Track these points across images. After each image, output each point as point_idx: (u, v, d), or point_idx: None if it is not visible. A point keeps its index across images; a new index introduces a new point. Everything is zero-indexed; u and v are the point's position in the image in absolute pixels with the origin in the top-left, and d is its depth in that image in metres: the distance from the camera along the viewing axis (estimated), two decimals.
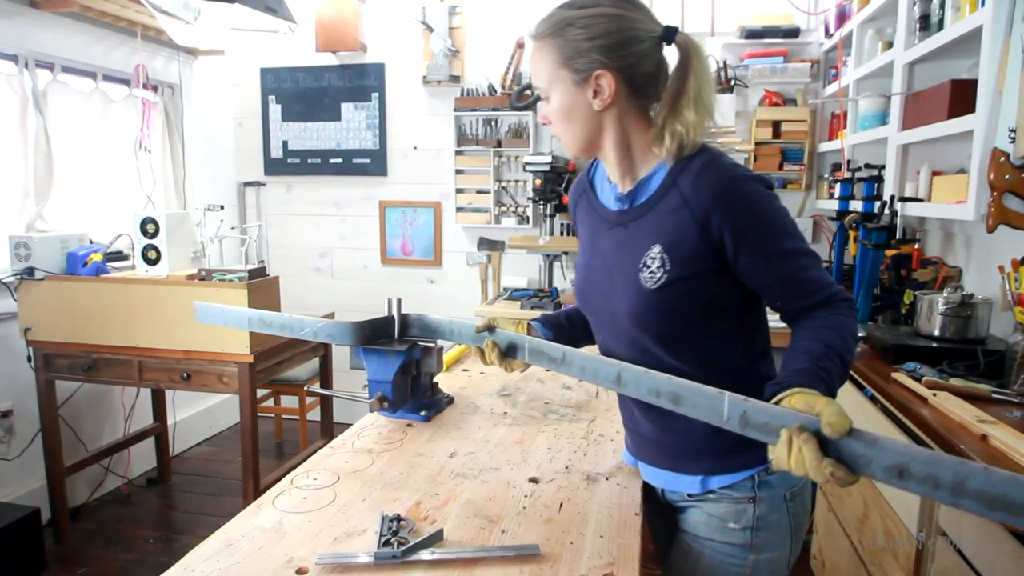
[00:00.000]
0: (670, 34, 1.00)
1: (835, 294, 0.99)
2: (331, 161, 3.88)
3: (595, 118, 1.03)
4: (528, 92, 3.41)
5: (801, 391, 0.83)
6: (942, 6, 1.93)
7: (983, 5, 1.66)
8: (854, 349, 0.96)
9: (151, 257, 2.66)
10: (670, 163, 1.01)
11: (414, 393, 1.50)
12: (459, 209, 3.69)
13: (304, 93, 3.85)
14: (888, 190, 2.27)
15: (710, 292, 1.01)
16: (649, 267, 1.01)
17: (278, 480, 1.19)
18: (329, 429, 3.15)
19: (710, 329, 1.04)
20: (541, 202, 3.24)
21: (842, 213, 2.53)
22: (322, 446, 1.36)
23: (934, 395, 1.48)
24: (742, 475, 1.06)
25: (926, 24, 2.03)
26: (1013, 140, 1.55)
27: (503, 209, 3.64)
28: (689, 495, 1.12)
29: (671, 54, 1.03)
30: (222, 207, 2.93)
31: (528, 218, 3.60)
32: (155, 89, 3.35)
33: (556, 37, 1.01)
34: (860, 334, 1.05)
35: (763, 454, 0.84)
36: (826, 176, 3.11)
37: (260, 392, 3.43)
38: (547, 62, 1.03)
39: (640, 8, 1.01)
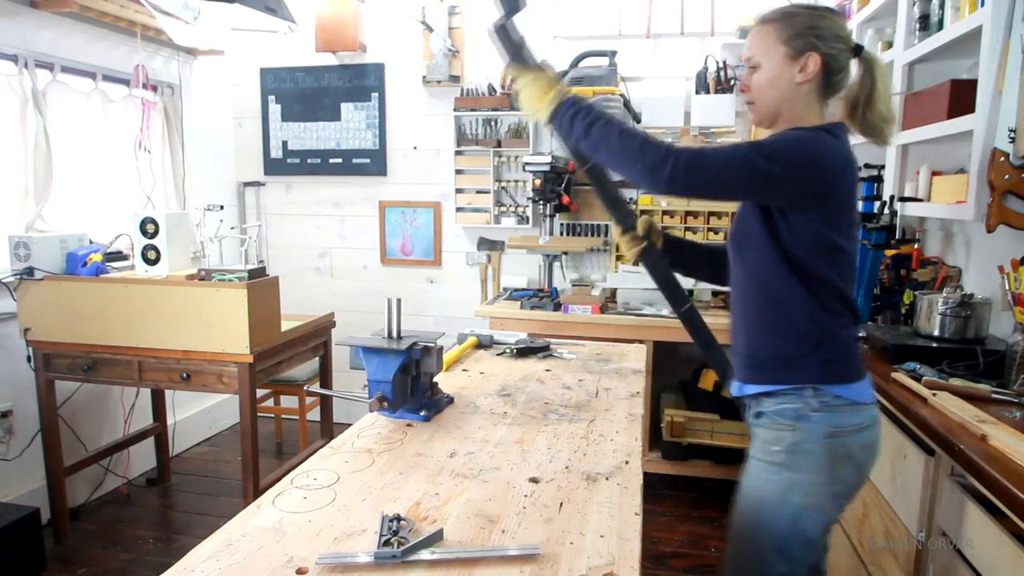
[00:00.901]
0: (859, 48, 1.31)
1: (691, 150, 1.20)
2: (331, 161, 3.88)
3: (793, 90, 1.29)
4: None
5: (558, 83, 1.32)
6: (942, 6, 1.93)
7: (983, 5, 1.66)
8: (620, 133, 1.23)
9: (151, 257, 2.66)
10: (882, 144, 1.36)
11: (414, 393, 1.50)
12: (459, 209, 3.69)
13: (304, 93, 3.85)
14: (888, 190, 2.27)
15: None
16: None
17: (278, 480, 1.19)
18: (329, 429, 3.15)
19: None
20: (541, 202, 3.24)
21: None
22: (322, 446, 1.36)
23: (934, 395, 1.48)
24: (778, 388, 1.28)
25: (926, 24, 2.03)
26: (1013, 140, 1.55)
27: (503, 209, 3.64)
28: (755, 415, 1.35)
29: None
30: (222, 207, 2.93)
31: (528, 218, 3.60)
32: (155, 89, 3.35)
33: (783, 21, 1.28)
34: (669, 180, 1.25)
35: (799, 377, 1.26)
36: None
37: (260, 392, 3.43)
38: (769, 38, 1.29)
39: (845, 23, 1.31)
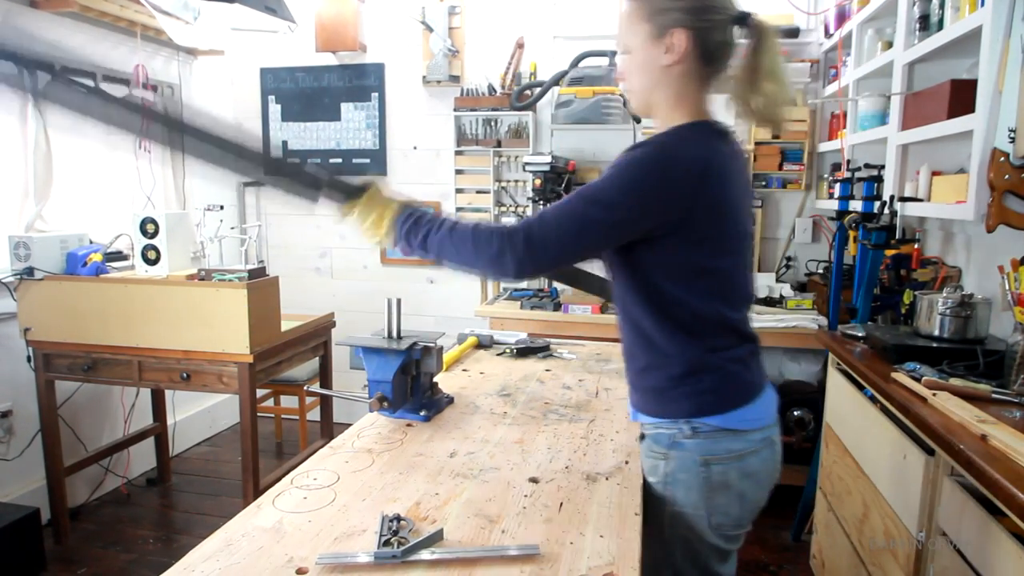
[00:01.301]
0: (744, 16, 1.10)
1: (528, 223, 1.08)
2: (331, 161, 3.88)
3: (663, 75, 1.12)
4: (528, 92, 3.41)
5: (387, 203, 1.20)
6: (942, 6, 1.93)
7: (983, 5, 1.66)
8: (451, 241, 1.12)
9: (151, 257, 2.66)
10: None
11: (414, 393, 1.50)
12: (459, 209, 3.69)
13: (304, 93, 3.85)
14: (888, 190, 2.27)
15: None
16: None
17: (278, 480, 1.19)
18: (329, 429, 3.15)
19: None
20: (541, 202, 3.24)
21: (842, 213, 2.53)
22: (322, 446, 1.36)
23: (934, 395, 1.48)
24: (655, 420, 1.21)
25: (926, 24, 2.03)
26: (1013, 140, 1.55)
27: (503, 209, 3.63)
28: (640, 436, 1.27)
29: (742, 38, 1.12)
30: (222, 207, 2.93)
31: None
32: (155, 89, 3.34)
33: None
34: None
35: (674, 412, 1.16)
36: (826, 176, 3.11)
37: (260, 392, 3.43)
38: (632, 18, 1.13)
39: None
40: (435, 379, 1.61)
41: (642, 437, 1.26)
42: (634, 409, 1.29)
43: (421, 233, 1.15)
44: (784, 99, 1.12)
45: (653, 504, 1.20)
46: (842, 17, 2.84)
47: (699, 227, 1.08)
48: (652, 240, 1.09)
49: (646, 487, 1.21)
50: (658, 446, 1.20)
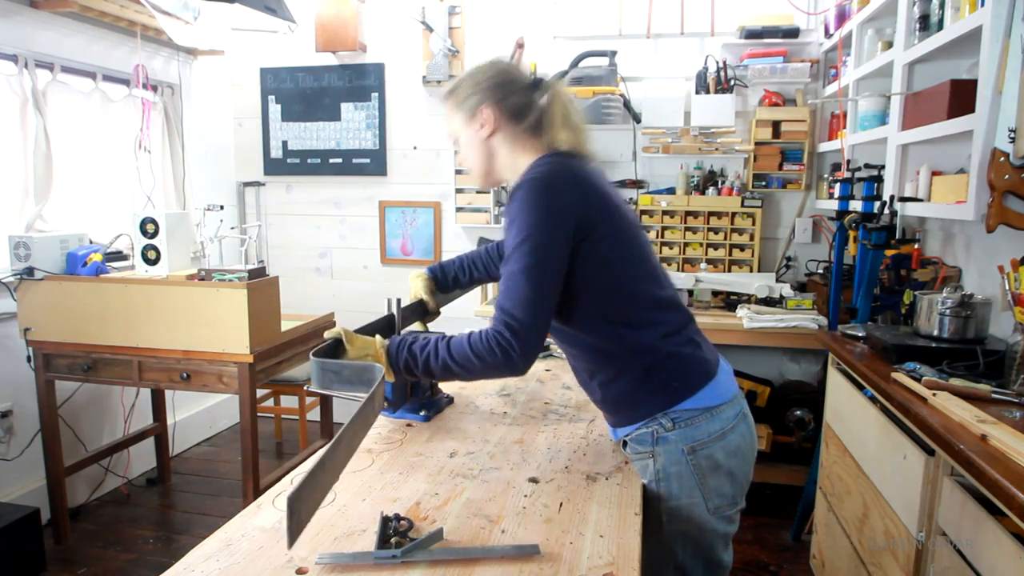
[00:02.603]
0: (537, 81, 1.31)
1: (506, 321, 1.13)
2: (331, 161, 3.88)
3: (486, 146, 1.30)
4: None
5: (379, 346, 1.20)
6: (942, 6, 1.93)
7: (983, 5, 1.66)
8: (455, 363, 1.16)
9: (151, 257, 2.66)
10: None
11: (414, 393, 1.50)
12: (459, 209, 3.69)
13: (304, 93, 3.85)
14: (888, 190, 2.27)
15: None
16: None
17: (278, 480, 1.19)
18: (329, 429, 3.15)
19: None
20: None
21: (842, 213, 2.53)
22: (322, 446, 1.36)
23: (934, 395, 1.48)
24: (635, 427, 1.25)
25: (926, 24, 2.03)
26: (1013, 140, 1.55)
27: (503, 209, 3.63)
28: (622, 444, 1.30)
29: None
30: (222, 207, 2.93)
31: None
32: (155, 89, 3.34)
33: (452, 94, 1.33)
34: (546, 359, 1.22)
35: (648, 411, 1.22)
36: (826, 176, 3.11)
37: (260, 392, 3.43)
38: (450, 112, 1.33)
39: (515, 65, 1.35)
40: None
41: (624, 444, 1.29)
42: (613, 428, 1.33)
43: (420, 362, 1.18)
44: (581, 138, 1.29)
45: (649, 503, 1.22)
46: (842, 17, 2.84)
47: (598, 225, 1.17)
48: (571, 254, 1.17)
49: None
50: (643, 446, 1.24)
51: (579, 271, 1.18)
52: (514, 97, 1.28)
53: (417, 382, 1.50)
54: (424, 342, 1.20)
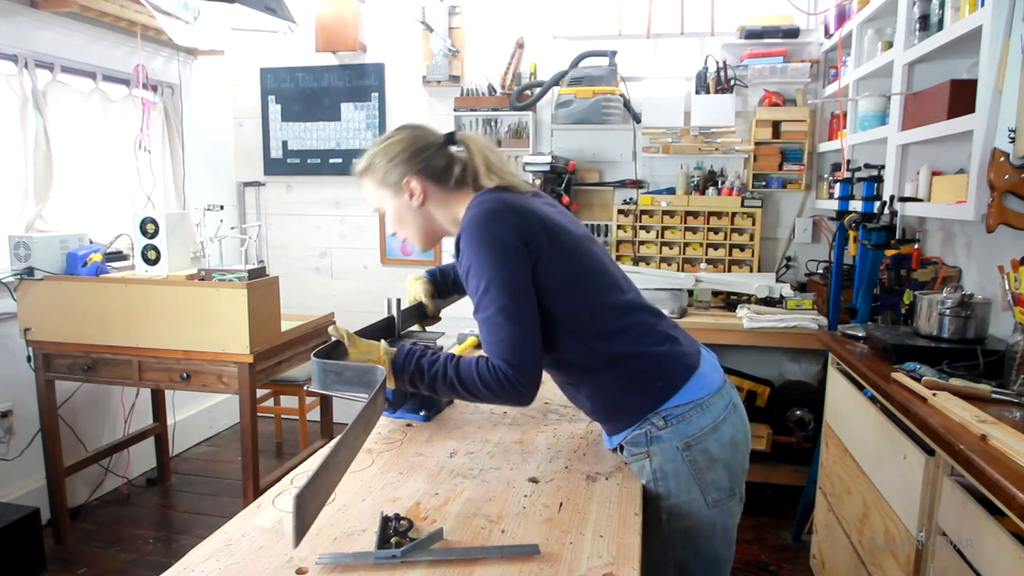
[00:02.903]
0: (451, 136, 1.33)
1: (502, 364, 1.14)
2: (331, 161, 3.88)
3: (421, 213, 1.31)
4: (528, 92, 3.41)
5: (384, 352, 1.21)
6: (942, 6, 1.93)
7: (983, 5, 1.66)
8: (462, 386, 1.17)
9: (151, 257, 2.66)
10: None
11: (414, 394, 1.50)
12: None
13: (304, 93, 3.85)
14: (888, 190, 2.27)
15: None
16: None
17: (278, 480, 1.19)
18: (329, 429, 3.15)
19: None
20: None
21: (842, 213, 2.53)
22: (322, 446, 1.36)
23: (934, 395, 1.48)
24: (629, 431, 1.25)
25: (926, 24, 2.03)
26: (1013, 140, 1.55)
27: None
28: (619, 448, 1.30)
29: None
30: (222, 207, 2.93)
31: None
32: (155, 89, 3.34)
33: (369, 171, 1.31)
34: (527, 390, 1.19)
35: (638, 414, 1.22)
36: (826, 176, 3.11)
37: (260, 392, 3.43)
38: (371, 188, 1.33)
39: (423, 127, 1.36)
40: None
41: (620, 449, 1.29)
42: (609, 436, 1.34)
43: (427, 377, 1.20)
44: (508, 177, 1.30)
45: (648, 503, 1.22)
46: (842, 17, 2.84)
47: (545, 247, 1.18)
48: (534, 281, 1.17)
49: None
50: (637, 447, 1.24)
51: (541, 294, 1.18)
52: (434, 160, 1.29)
53: None
54: (432, 359, 1.20)
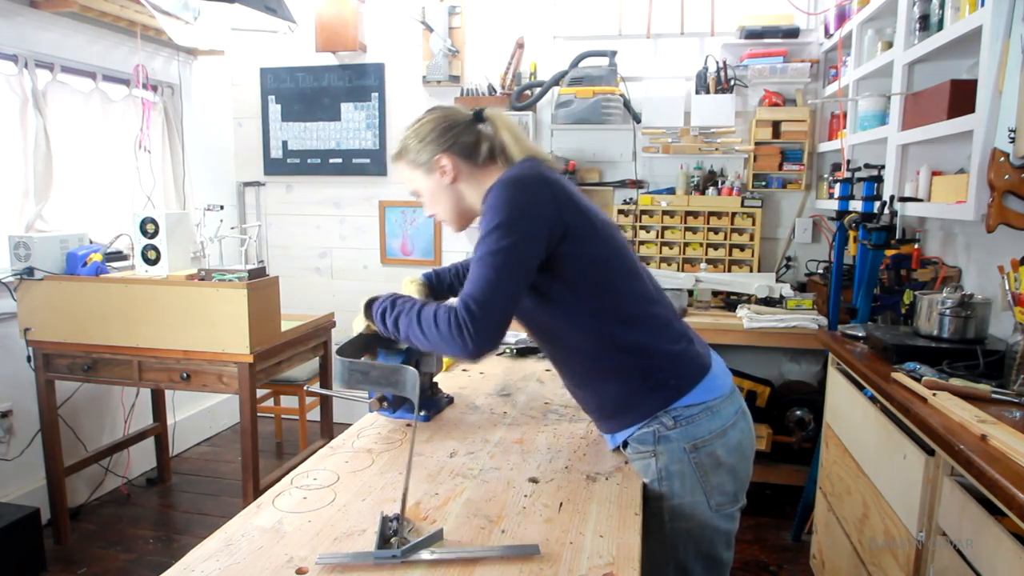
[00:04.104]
0: (479, 113, 1.34)
1: (465, 301, 1.12)
2: (331, 161, 3.88)
3: (453, 191, 1.32)
4: (528, 92, 3.41)
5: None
6: (942, 6, 1.93)
7: (983, 5, 1.66)
8: (418, 325, 1.19)
9: (151, 257, 2.66)
10: None
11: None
12: None
13: (304, 93, 3.85)
14: (888, 190, 2.27)
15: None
16: None
17: (278, 480, 1.19)
18: (329, 429, 3.15)
19: None
20: None
21: (842, 213, 2.53)
22: (322, 446, 1.36)
23: (934, 395, 1.48)
24: (636, 428, 1.24)
25: (926, 24, 2.03)
26: (1013, 140, 1.55)
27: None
28: (622, 445, 1.29)
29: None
30: (222, 207, 2.93)
31: None
32: (155, 89, 3.34)
33: (403, 154, 1.34)
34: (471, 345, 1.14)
35: (648, 411, 1.22)
36: (826, 176, 3.11)
37: (260, 392, 3.43)
38: (405, 170, 1.36)
39: (452, 107, 1.36)
40: (435, 379, 1.61)
41: (625, 445, 1.28)
42: (611, 436, 1.32)
43: (393, 314, 1.25)
44: (536, 151, 1.31)
45: (650, 503, 1.21)
46: (842, 17, 2.84)
47: (577, 224, 1.18)
48: (553, 258, 1.17)
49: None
50: (644, 446, 1.23)
51: (568, 273, 1.19)
52: (463, 137, 1.31)
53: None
54: (410, 302, 1.26)
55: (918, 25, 2.06)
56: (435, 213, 1.38)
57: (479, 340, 1.11)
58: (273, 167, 3.97)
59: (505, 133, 1.31)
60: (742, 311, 2.88)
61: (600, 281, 1.21)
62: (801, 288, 3.13)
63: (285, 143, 3.92)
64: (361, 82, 3.77)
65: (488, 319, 1.11)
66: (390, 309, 1.27)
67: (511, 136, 1.31)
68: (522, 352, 2.07)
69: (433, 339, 1.16)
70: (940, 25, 1.93)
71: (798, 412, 3.02)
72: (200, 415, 3.76)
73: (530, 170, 1.21)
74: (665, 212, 3.30)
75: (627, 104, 3.25)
